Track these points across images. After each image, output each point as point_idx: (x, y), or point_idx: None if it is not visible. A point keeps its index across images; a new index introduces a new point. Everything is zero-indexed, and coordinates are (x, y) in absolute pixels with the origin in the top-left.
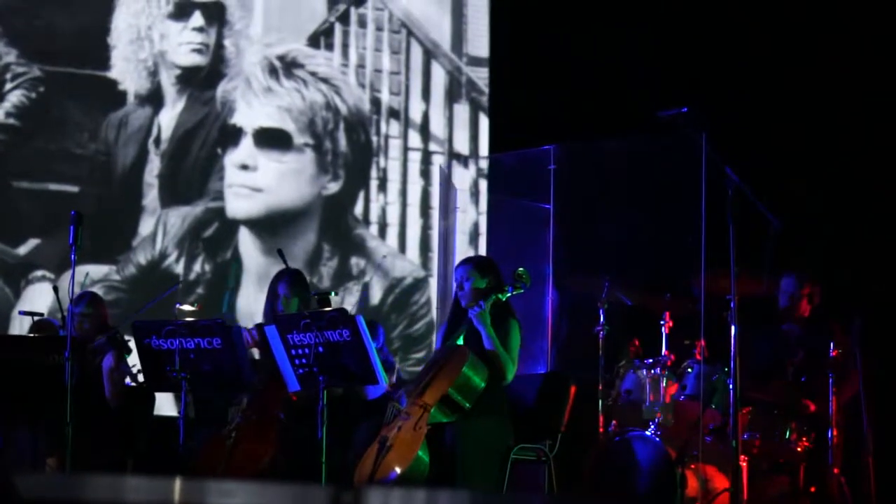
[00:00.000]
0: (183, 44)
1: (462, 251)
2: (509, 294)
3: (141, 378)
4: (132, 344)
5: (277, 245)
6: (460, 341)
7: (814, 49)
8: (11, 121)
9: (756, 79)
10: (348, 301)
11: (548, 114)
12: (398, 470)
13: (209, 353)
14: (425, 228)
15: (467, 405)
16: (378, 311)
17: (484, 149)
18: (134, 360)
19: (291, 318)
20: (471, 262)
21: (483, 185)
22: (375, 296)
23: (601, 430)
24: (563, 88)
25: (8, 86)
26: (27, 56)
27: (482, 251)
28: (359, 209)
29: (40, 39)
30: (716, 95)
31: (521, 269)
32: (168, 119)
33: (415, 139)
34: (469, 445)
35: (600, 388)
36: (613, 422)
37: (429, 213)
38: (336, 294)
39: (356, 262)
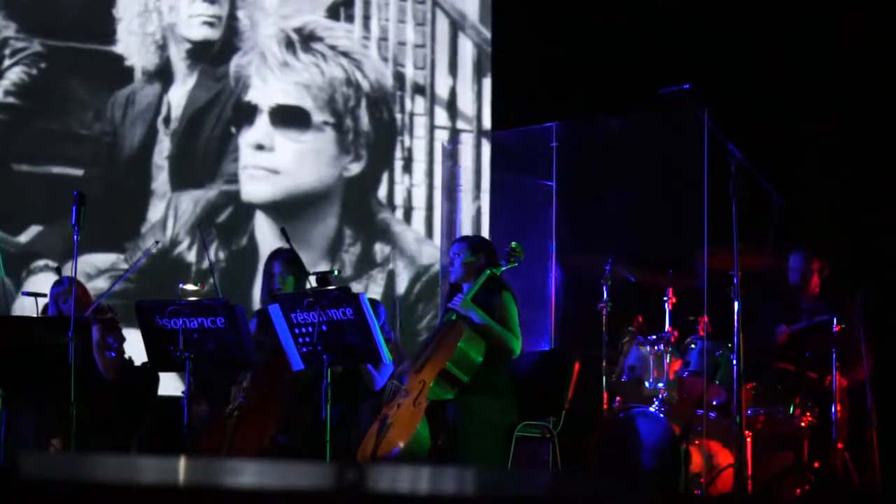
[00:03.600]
0: (193, 16)
1: (466, 231)
2: (503, 268)
3: (128, 354)
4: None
5: (296, 230)
6: (454, 316)
7: (817, 22)
8: (11, 99)
9: (759, 54)
10: (373, 290)
11: (550, 90)
12: (400, 445)
13: (213, 332)
14: (452, 212)
15: (466, 379)
16: (405, 299)
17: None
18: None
19: (295, 296)
20: (464, 241)
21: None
22: (402, 284)
23: (605, 406)
24: (565, 65)
25: (7, 62)
26: (27, 30)
27: (485, 229)
28: (382, 192)
29: (41, 12)
30: (718, 71)
31: (513, 243)
32: (178, 97)
33: (441, 117)
34: (472, 422)
35: (604, 364)
36: (617, 398)
37: (456, 196)
38: (337, 273)
39: (380, 249)
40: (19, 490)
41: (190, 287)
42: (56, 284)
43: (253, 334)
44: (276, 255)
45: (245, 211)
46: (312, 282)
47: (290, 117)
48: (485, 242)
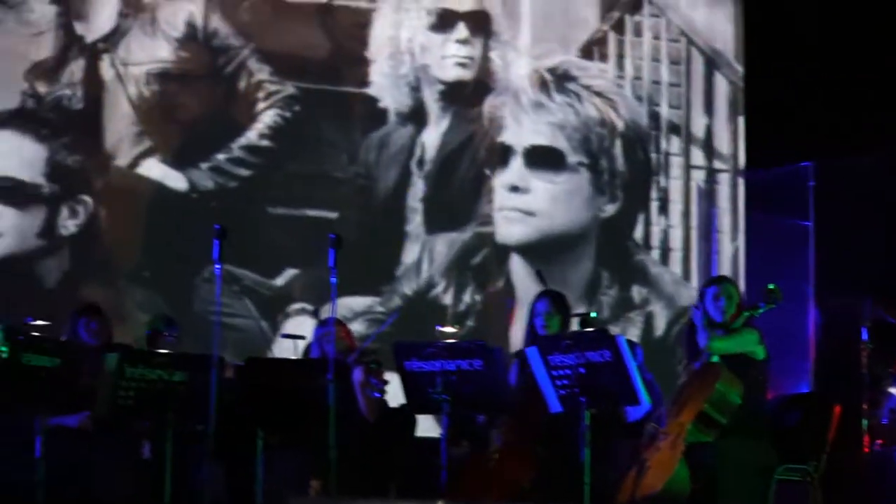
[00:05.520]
0: (446, 57)
1: (724, 272)
2: (761, 310)
3: (392, 396)
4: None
5: (552, 272)
6: (715, 357)
7: None
8: (265, 142)
9: None
10: (630, 332)
11: (805, 128)
12: (659, 488)
13: (470, 374)
14: (710, 253)
15: (724, 421)
16: (662, 342)
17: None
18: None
19: (553, 339)
20: (725, 281)
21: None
22: (659, 326)
23: (866, 449)
24: (822, 102)
25: (261, 105)
26: (280, 73)
27: (742, 270)
28: (639, 233)
29: (294, 55)
30: None
31: (771, 284)
32: (432, 138)
33: (697, 156)
34: (731, 465)
35: (864, 407)
36: (878, 441)
37: (713, 237)
38: (595, 315)
39: (638, 291)
40: None
41: (448, 329)
42: (320, 325)
43: (514, 376)
44: (540, 297)
45: (500, 253)
46: (575, 324)
47: (544, 158)
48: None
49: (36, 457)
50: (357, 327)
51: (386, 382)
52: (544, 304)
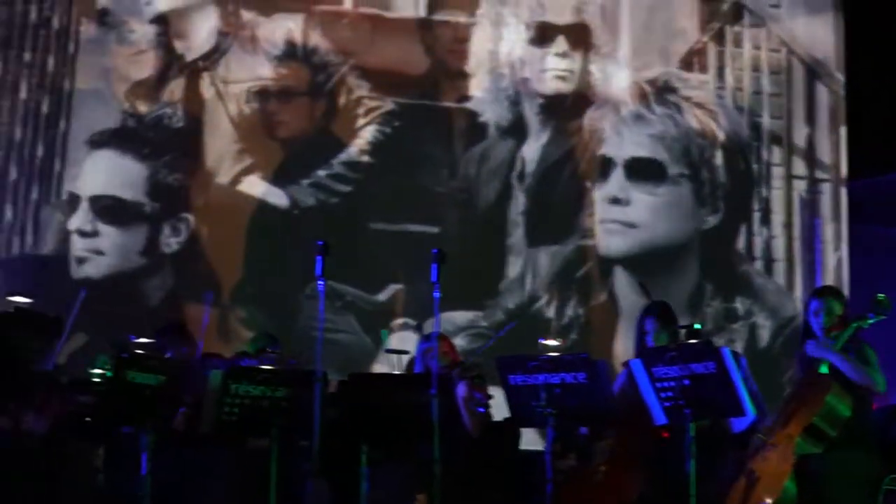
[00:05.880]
0: (546, 70)
1: (828, 283)
2: (870, 321)
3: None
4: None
5: (654, 284)
6: (824, 369)
7: None
8: (366, 158)
9: None
10: (735, 344)
11: None
12: (768, 501)
13: (574, 387)
14: (813, 263)
15: (833, 434)
16: (766, 353)
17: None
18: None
19: (657, 351)
20: (829, 292)
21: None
22: (763, 337)
23: None
24: None
25: (361, 121)
26: (380, 89)
27: (846, 280)
28: (741, 244)
29: (393, 71)
30: None
31: (880, 295)
32: (532, 151)
33: (799, 166)
34: (838, 476)
35: None
36: None
37: (816, 247)
38: (700, 327)
39: (742, 302)
40: None
41: (551, 342)
42: (423, 340)
43: (619, 388)
44: (647, 311)
45: (603, 266)
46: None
47: (645, 170)
48: (842, 293)
49: (142, 473)
50: (459, 342)
51: (490, 397)
52: (651, 323)
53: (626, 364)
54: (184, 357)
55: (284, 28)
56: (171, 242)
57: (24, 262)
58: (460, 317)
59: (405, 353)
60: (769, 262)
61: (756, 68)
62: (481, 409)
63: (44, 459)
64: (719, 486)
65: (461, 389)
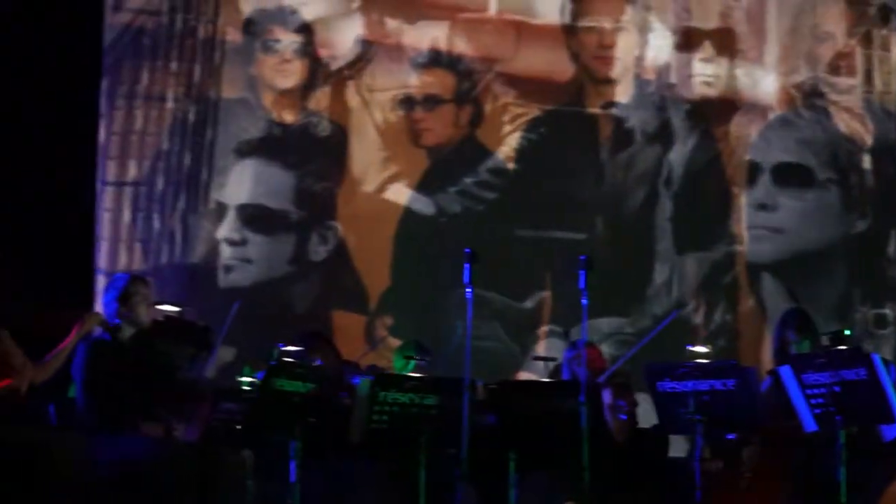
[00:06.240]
0: (693, 76)
1: None
2: None
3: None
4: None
5: (803, 290)
6: None
7: None
8: (511, 165)
9: None
10: (884, 351)
11: None
12: None
13: (723, 394)
14: None
15: None
16: None
17: None
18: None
19: (807, 357)
20: None
21: None
22: None
23: None
24: None
25: (507, 128)
26: (526, 96)
27: None
28: (891, 249)
29: (538, 78)
30: None
31: None
32: (678, 157)
33: None
34: None
35: None
36: None
37: None
38: (849, 333)
39: (892, 308)
40: None
41: (699, 349)
42: (570, 347)
43: (764, 395)
44: (787, 317)
45: (750, 271)
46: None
47: (792, 175)
48: None
49: (291, 481)
50: (606, 349)
51: (635, 404)
52: (792, 332)
53: (772, 372)
54: (332, 364)
55: (430, 36)
56: (319, 250)
57: (173, 271)
58: (606, 323)
59: (553, 360)
60: None
61: None
62: (623, 417)
63: (195, 467)
64: (870, 495)
65: (606, 396)
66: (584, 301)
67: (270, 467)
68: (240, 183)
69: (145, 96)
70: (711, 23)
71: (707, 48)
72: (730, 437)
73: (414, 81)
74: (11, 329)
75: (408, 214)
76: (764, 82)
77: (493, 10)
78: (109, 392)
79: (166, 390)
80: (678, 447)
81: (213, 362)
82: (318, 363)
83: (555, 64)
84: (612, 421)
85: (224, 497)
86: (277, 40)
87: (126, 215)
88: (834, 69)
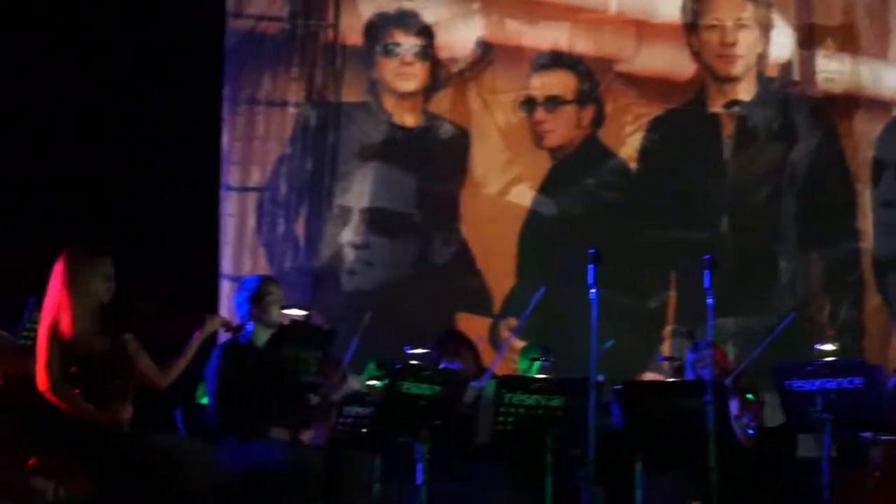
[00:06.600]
0: (815, 73)
1: None
2: None
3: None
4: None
5: None
6: None
7: None
8: (634, 165)
9: None
10: None
11: None
12: None
13: (851, 392)
14: None
15: None
16: None
17: None
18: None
19: None
20: None
21: None
22: None
23: None
24: None
25: (629, 128)
26: (647, 95)
27: None
28: None
29: (660, 77)
30: None
31: None
32: (802, 155)
33: None
34: None
35: None
36: None
37: None
38: None
39: None
40: None
41: (826, 347)
42: (693, 349)
43: (891, 393)
44: None
45: (877, 268)
46: None
47: None
48: None
49: (417, 483)
50: (731, 348)
51: (763, 403)
52: None
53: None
54: (470, 368)
55: (550, 37)
56: (443, 252)
57: (297, 275)
58: (731, 322)
59: (677, 359)
60: None
61: None
62: (751, 431)
63: (323, 471)
64: None
65: (732, 408)
66: (709, 300)
67: (397, 470)
68: (362, 187)
69: (267, 102)
70: (834, 19)
71: (829, 44)
72: (862, 436)
73: (535, 83)
74: (137, 332)
75: (531, 216)
76: (887, 78)
77: (613, 9)
78: (243, 397)
79: (292, 395)
80: (806, 446)
81: (346, 365)
82: (456, 366)
83: (676, 63)
84: (739, 431)
85: (351, 501)
86: (398, 43)
87: (250, 220)
88: None
